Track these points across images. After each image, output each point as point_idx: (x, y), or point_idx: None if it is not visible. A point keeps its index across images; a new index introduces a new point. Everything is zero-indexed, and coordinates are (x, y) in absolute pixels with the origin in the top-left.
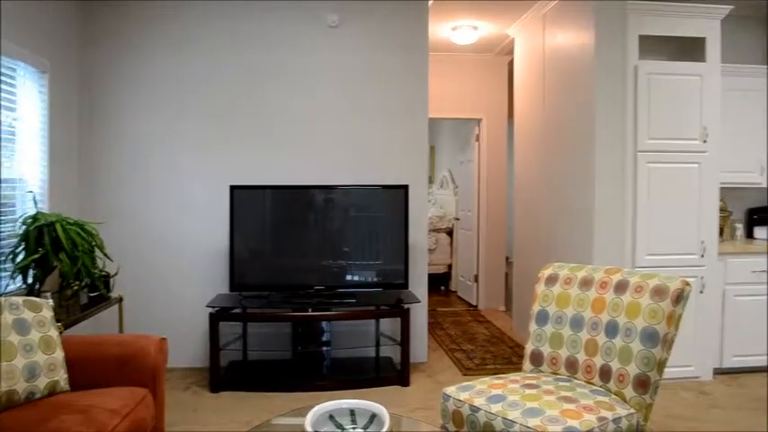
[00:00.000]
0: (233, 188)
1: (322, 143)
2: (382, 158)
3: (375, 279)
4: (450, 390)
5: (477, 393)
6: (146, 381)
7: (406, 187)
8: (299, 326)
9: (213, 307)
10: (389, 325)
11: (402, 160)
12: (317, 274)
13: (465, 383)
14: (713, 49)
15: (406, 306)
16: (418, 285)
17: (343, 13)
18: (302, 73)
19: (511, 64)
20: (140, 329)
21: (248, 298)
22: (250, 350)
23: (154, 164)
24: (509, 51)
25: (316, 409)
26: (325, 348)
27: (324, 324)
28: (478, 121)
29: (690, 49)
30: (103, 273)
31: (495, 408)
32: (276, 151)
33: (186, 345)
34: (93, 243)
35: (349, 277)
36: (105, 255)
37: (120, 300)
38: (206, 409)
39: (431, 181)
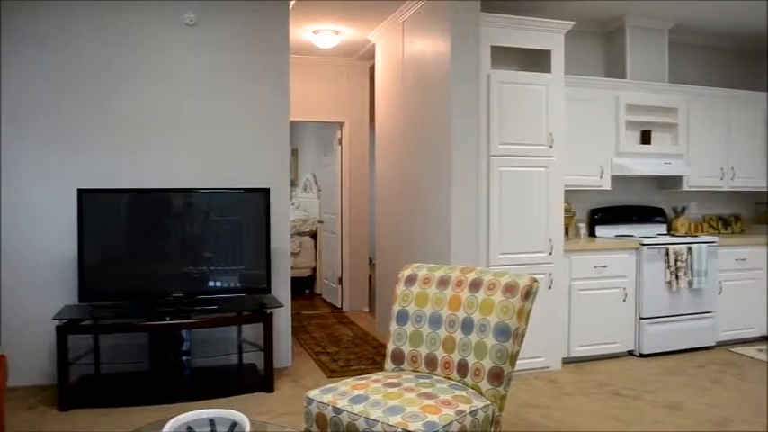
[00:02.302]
0: (81, 192)
1: (181, 145)
2: (243, 161)
3: (237, 284)
4: (314, 393)
5: (340, 395)
6: None
7: (267, 190)
8: (157, 335)
9: (60, 319)
10: (252, 331)
11: (263, 163)
12: (176, 281)
13: (328, 386)
14: (558, 60)
15: (268, 311)
16: (281, 289)
17: (200, 12)
18: (158, 72)
19: (372, 69)
20: None
21: (100, 308)
22: (103, 363)
23: None
24: (371, 56)
25: (173, 421)
26: (185, 358)
27: (183, 332)
28: (341, 124)
29: (538, 60)
30: None
31: (358, 408)
32: (131, 153)
33: (31, 361)
34: None
35: (210, 283)
36: None
37: None
38: (53, 429)
39: (294, 184)
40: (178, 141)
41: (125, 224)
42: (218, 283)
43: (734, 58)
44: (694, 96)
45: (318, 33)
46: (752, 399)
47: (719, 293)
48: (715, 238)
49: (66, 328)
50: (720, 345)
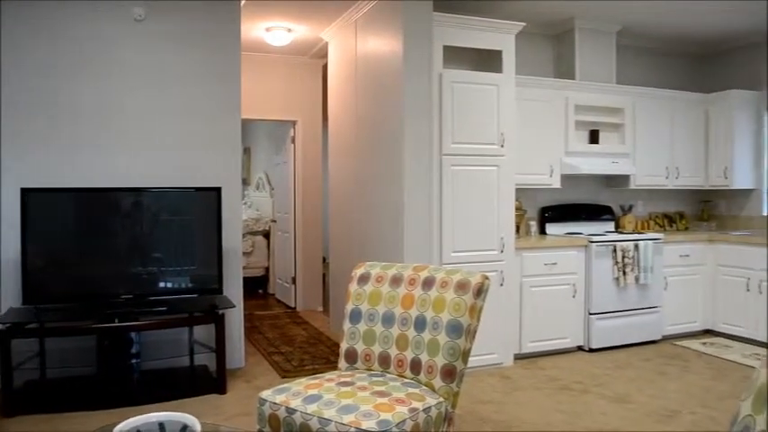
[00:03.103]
0: (25, 191)
1: (130, 143)
2: (194, 160)
3: (188, 285)
4: (266, 393)
5: (294, 395)
6: None
7: (218, 189)
8: (105, 338)
9: (4, 322)
10: (204, 332)
11: (215, 161)
12: (125, 282)
13: (281, 386)
14: (509, 61)
15: (220, 311)
16: (234, 289)
17: (150, 7)
18: (107, 68)
19: (325, 67)
20: None
21: (46, 311)
22: (50, 368)
23: None
24: (324, 54)
25: (121, 425)
26: (134, 360)
27: (133, 335)
28: (294, 123)
29: (490, 60)
30: None
31: (311, 408)
32: (80, 151)
33: None
34: None
35: (161, 284)
36: None
37: None
38: None
39: (246, 183)
40: (127, 139)
41: (71, 224)
42: (169, 284)
43: (677, 60)
44: (640, 97)
45: (271, 31)
46: (696, 390)
47: (665, 289)
48: (660, 235)
49: (10, 331)
50: (666, 338)
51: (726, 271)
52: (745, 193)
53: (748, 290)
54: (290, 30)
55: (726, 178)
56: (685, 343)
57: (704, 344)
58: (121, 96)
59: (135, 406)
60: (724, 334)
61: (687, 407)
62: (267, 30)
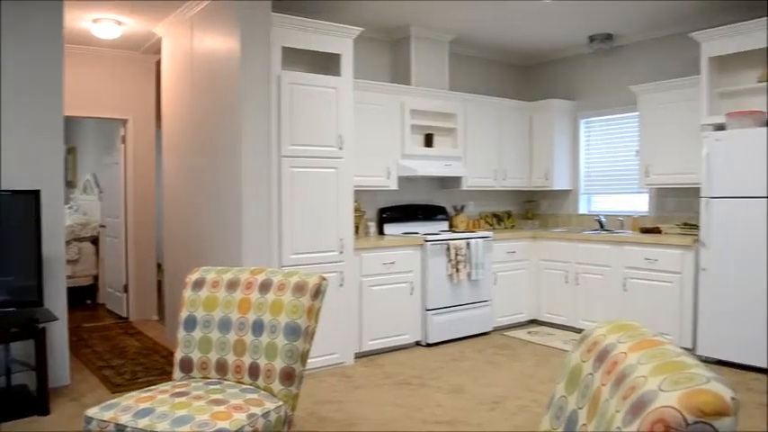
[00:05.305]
0: None
1: None
2: (9, 160)
3: (4, 298)
4: (93, 411)
5: (123, 410)
6: None
7: (37, 192)
8: None
9: None
10: (23, 349)
11: (33, 162)
12: None
13: (110, 401)
14: (347, 64)
15: (40, 326)
16: (57, 301)
17: None
18: None
19: (159, 63)
20: None
21: None
22: None
23: None
24: (157, 50)
25: None
26: None
27: None
28: (125, 121)
29: (329, 63)
30: None
31: (143, 422)
32: None
33: None
34: None
35: None
36: None
37: None
38: None
39: (72, 185)
40: None
41: None
42: None
43: (505, 70)
44: (471, 103)
45: (98, 23)
46: (522, 377)
47: (494, 283)
48: (490, 234)
49: None
50: (496, 329)
51: (547, 265)
52: (564, 193)
53: (566, 282)
54: (119, 23)
55: (547, 180)
56: (513, 333)
57: (530, 333)
58: None
59: None
60: (547, 323)
61: (514, 393)
62: (94, 21)
